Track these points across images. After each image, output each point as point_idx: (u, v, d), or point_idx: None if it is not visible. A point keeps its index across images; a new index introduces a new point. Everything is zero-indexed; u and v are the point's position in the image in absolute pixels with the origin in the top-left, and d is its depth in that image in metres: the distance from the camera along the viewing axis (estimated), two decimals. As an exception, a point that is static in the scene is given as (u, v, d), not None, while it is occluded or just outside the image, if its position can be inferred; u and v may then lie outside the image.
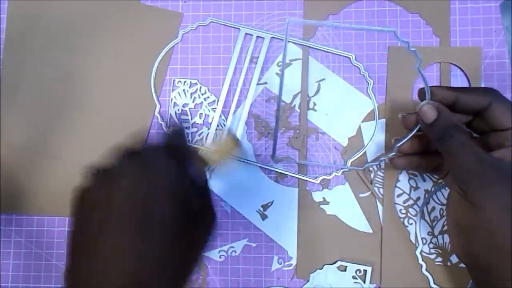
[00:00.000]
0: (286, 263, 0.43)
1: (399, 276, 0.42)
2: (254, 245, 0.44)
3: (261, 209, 0.44)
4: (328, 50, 0.44)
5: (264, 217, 0.44)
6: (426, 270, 0.41)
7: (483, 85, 0.42)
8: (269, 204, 0.44)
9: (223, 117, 0.45)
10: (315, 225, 0.43)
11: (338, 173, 0.43)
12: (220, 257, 0.44)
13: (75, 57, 0.46)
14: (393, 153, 0.38)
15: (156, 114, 0.45)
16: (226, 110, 0.45)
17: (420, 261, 0.41)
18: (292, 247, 0.43)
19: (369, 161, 0.42)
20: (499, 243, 0.31)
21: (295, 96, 0.44)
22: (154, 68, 0.45)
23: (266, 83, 0.45)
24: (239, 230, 0.44)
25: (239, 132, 0.44)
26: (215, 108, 0.45)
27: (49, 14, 0.47)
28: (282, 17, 0.45)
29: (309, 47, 0.44)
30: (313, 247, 0.43)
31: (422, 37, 0.43)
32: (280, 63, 0.45)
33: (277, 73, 0.45)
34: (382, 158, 0.40)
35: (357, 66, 0.44)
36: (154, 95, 0.45)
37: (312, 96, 0.44)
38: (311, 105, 0.44)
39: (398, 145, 0.38)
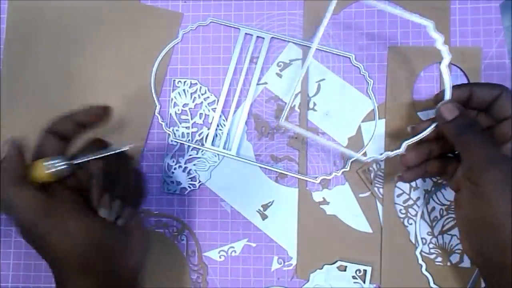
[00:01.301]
0: (286, 263, 0.43)
1: (399, 276, 0.42)
2: (254, 245, 0.44)
3: (261, 209, 0.44)
4: (328, 50, 0.44)
5: (264, 217, 0.44)
6: (426, 270, 0.41)
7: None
8: (269, 204, 0.44)
9: (223, 117, 0.45)
10: (315, 225, 0.43)
11: (338, 173, 0.43)
12: (220, 257, 0.44)
13: (75, 57, 0.46)
14: (401, 150, 0.38)
15: (156, 114, 0.45)
16: (226, 110, 0.45)
17: (420, 261, 0.41)
18: (292, 247, 0.43)
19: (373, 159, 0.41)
20: (504, 232, 0.31)
21: (295, 96, 0.44)
22: (154, 68, 0.45)
23: (266, 83, 0.45)
24: (239, 230, 0.44)
25: (239, 132, 0.44)
26: (215, 108, 0.45)
27: (49, 14, 0.47)
28: (282, 17, 0.45)
29: (310, 47, 0.44)
30: (313, 247, 0.43)
31: (422, 37, 0.43)
32: (280, 63, 0.45)
33: (277, 73, 0.45)
34: (390, 155, 0.39)
35: (357, 66, 0.44)
36: (154, 95, 0.45)
37: (312, 96, 0.44)
38: (311, 105, 0.44)
39: (406, 143, 0.38)
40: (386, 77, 0.43)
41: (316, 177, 0.43)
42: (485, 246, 0.33)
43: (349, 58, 0.44)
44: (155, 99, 0.45)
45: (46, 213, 0.31)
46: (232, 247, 0.44)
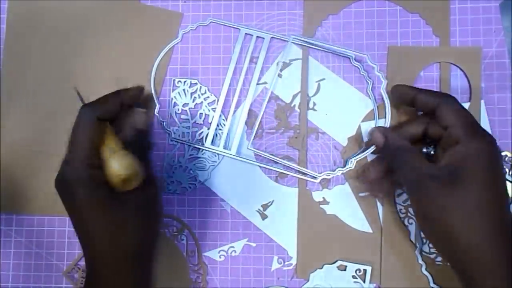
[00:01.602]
0: (286, 263, 0.43)
1: (399, 276, 0.42)
2: (254, 245, 0.44)
3: (261, 209, 0.44)
4: (329, 50, 0.44)
5: (264, 217, 0.44)
6: (426, 269, 0.41)
7: (483, 86, 0.42)
8: (269, 204, 0.44)
9: (223, 117, 0.45)
10: (315, 225, 0.43)
11: (342, 170, 0.43)
12: (220, 257, 0.44)
13: (75, 57, 0.46)
14: (351, 166, 0.42)
15: (156, 113, 0.45)
16: (226, 110, 0.45)
17: (420, 261, 0.41)
18: (292, 247, 0.43)
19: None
20: (454, 246, 0.32)
21: (295, 96, 0.44)
22: (154, 68, 0.45)
23: (266, 83, 0.45)
24: (239, 230, 0.44)
25: (239, 132, 0.44)
26: (215, 108, 0.45)
27: (49, 14, 0.47)
28: (282, 17, 0.45)
29: (311, 47, 0.44)
30: (313, 247, 0.43)
31: (422, 37, 0.43)
32: (279, 63, 0.45)
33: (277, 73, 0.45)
34: (343, 171, 0.43)
35: (356, 66, 0.44)
36: (154, 95, 0.45)
37: (312, 96, 0.44)
38: (311, 105, 0.44)
39: (355, 159, 0.42)
40: (386, 77, 0.43)
41: (316, 177, 0.43)
42: (443, 255, 0.36)
43: (349, 58, 0.44)
44: (154, 98, 0.45)
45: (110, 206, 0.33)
46: (232, 247, 0.44)
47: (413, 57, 0.43)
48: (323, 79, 0.44)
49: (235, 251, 0.44)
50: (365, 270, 0.42)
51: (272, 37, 0.45)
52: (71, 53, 0.46)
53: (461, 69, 0.43)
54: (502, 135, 0.42)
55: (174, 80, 0.45)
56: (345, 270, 0.42)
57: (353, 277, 0.42)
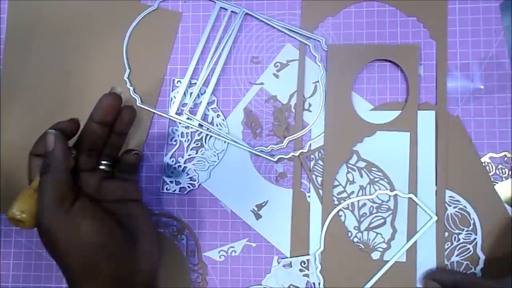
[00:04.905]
0: (285, 263, 0.43)
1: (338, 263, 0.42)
2: (254, 245, 0.44)
3: (256, 208, 0.44)
4: (296, 30, 0.44)
5: (258, 217, 0.44)
6: (320, 272, 0.42)
7: (483, 86, 0.42)
8: (264, 204, 0.44)
9: (222, 117, 0.45)
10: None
11: (295, 153, 0.43)
12: (220, 257, 0.44)
13: (75, 57, 0.46)
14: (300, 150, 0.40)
15: (125, 78, 0.45)
16: (226, 110, 0.45)
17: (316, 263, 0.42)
18: (286, 247, 0.43)
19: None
20: None
21: (291, 97, 0.44)
22: (126, 38, 0.46)
23: (262, 83, 0.45)
24: (239, 230, 0.44)
25: (240, 132, 0.44)
26: (215, 108, 0.45)
27: (49, 14, 0.47)
28: (282, 17, 0.45)
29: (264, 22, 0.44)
30: (307, 247, 0.43)
31: (422, 37, 0.43)
32: (277, 64, 0.45)
33: (274, 74, 0.45)
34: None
35: (315, 55, 0.44)
36: (125, 61, 0.45)
37: (308, 97, 0.44)
38: (306, 106, 0.44)
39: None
40: (326, 76, 0.43)
41: (274, 156, 0.43)
42: None
43: (309, 46, 0.44)
44: (125, 64, 0.45)
45: (61, 215, 0.32)
46: (232, 247, 0.44)
47: (352, 55, 0.43)
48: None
49: (235, 251, 0.44)
50: (308, 260, 0.42)
51: (247, 15, 0.44)
52: (71, 53, 0.46)
53: (398, 66, 0.43)
54: (502, 135, 0.42)
55: (173, 80, 0.45)
56: (290, 266, 0.43)
57: (300, 270, 0.42)
